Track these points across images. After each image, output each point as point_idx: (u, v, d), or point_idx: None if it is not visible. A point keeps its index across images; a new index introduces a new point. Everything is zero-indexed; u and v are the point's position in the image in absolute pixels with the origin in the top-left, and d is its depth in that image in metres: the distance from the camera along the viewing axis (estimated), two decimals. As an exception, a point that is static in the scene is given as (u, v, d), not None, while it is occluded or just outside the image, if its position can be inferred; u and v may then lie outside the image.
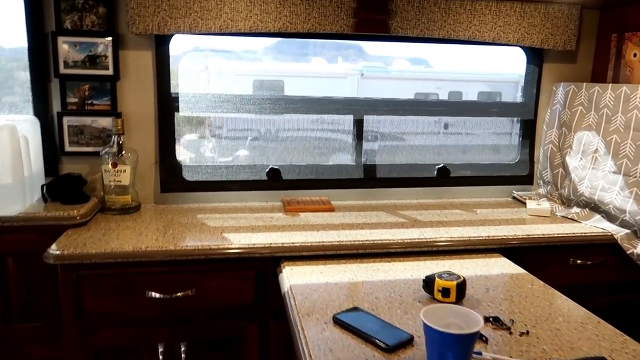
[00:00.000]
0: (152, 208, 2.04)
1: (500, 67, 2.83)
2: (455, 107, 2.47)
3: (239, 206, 2.11)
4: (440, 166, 2.38)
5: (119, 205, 1.92)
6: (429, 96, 6.17)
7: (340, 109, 2.27)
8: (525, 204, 2.22)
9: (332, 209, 2.07)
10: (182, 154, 2.22)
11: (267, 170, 2.22)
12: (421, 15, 2.06)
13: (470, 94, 6.02)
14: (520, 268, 1.53)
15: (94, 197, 1.91)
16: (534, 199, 2.24)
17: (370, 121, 2.31)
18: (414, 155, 2.45)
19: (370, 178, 2.34)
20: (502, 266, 1.54)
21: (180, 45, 2.10)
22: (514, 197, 2.41)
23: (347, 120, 2.31)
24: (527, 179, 2.48)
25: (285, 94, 2.40)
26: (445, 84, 4.30)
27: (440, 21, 2.08)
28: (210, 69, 2.50)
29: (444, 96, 6.13)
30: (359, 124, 2.31)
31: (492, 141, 2.59)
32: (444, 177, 2.37)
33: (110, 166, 1.90)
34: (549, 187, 2.36)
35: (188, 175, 2.15)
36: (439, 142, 2.58)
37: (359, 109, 2.29)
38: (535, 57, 2.40)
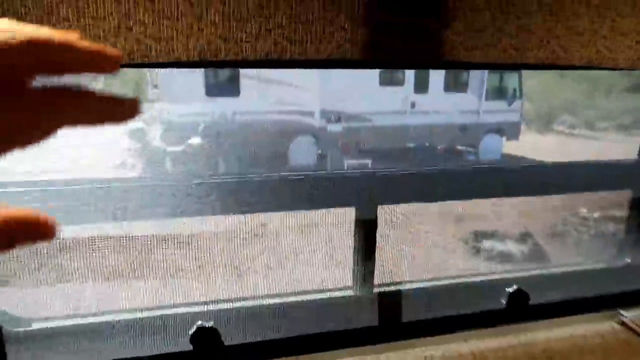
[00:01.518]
0: None
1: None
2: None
3: None
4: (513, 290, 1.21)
5: None
6: (394, 74, 5.89)
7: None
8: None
9: None
10: None
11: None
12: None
13: (437, 71, 5.78)
14: None
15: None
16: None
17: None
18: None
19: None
20: None
21: None
22: (623, 324, 1.46)
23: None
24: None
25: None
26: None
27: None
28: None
29: (410, 73, 5.86)
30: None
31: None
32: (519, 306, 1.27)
33: None
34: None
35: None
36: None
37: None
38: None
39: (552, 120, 6.96)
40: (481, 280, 1.19)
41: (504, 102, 6.02)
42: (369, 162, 4.96)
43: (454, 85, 5.94)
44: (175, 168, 4.36)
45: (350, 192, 1.02)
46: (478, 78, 5.90)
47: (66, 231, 0.95)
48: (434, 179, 1.11)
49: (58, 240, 1.03)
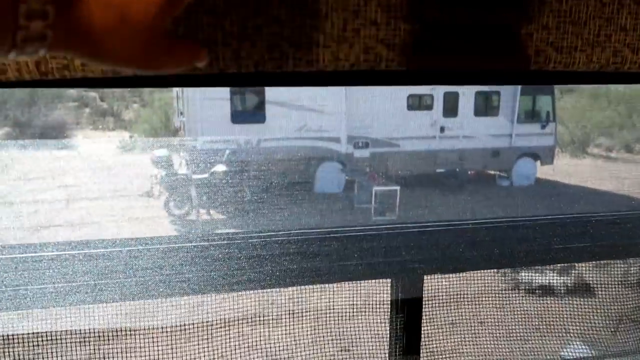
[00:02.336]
0: None
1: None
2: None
3: None
4: None
5: None
6: (423, 98, 5.82)
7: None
8: None
9: None
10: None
11: None
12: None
13: (466, 94, 5.68)
14: None
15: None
16: None
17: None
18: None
19: None
20: None
21: None
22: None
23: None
24: None
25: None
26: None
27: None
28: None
29: (439, 97, 5.76)
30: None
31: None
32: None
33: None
34: None
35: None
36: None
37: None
38: None
39: (587, 143, 6.70)
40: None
41: (537, 125, 5.81)
42: (397, 188, 4.81)
43: (485, 109, 5.78)
44: (198, 195, 4.31)
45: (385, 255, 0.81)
46: (510, 101, 5.73)
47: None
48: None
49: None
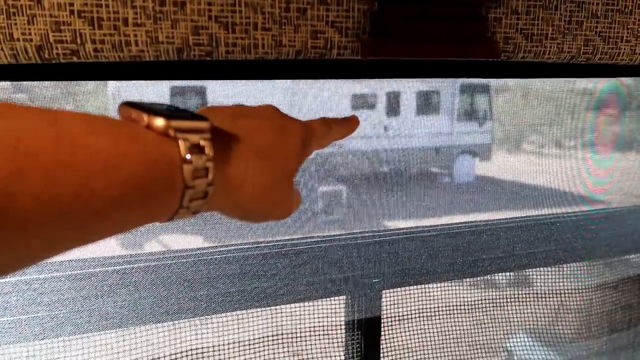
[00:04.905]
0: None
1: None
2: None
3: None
4: None
5: None
6: (366, 97, 5.87)
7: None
8: None
9: None
10: None
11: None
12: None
13: (408, 93, 5.77)
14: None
15: None
16: None
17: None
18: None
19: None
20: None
21: None
22: None
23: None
24: None
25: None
26: (380, 82, 3.95)
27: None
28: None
29: (382, 96, 5.83)
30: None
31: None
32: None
33: None
34: None
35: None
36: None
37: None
38: None
39: (521, 140, 7.03)
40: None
41: (475, 123, 6.01)
42: (343, 188, 4.79)
43: (426, 108, 5.90)
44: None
45: (337, 268, 0.73)
46: (449, 99, 5.88)
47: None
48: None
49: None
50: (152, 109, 0.29)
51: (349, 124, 0.49)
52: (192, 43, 0.46)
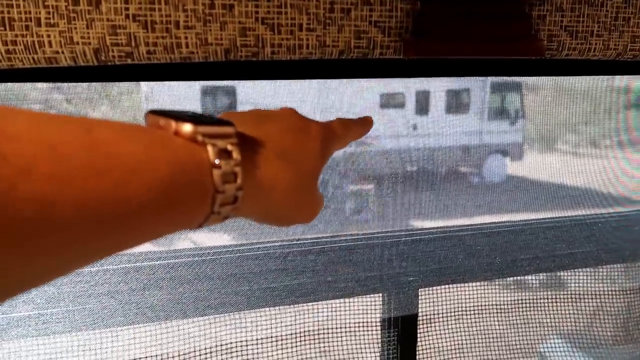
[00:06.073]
0: None
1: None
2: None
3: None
4: None
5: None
6: (395, 96, 5.82)
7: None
8: None
9: None
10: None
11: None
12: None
13: (437, 91, 5.69)
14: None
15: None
16: None
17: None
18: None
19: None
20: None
21: None
22: None
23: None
24: None
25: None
26: (411, 80, 3.92)
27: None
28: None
29: (411, 95, 5.77)
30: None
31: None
32: None
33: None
34: None
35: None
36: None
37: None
38: None
39: (555, 139, 6.84)
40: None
41: (506, 121, 5.90)
42: (372, 186, 4.78)
43: (455, 107, 5.82)
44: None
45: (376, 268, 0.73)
46: (479, 98, 5.78)
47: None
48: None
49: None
50: (178, 116, 0.28)
51: (365, 124, 0.49)
52: (239, 44, 0.47)
